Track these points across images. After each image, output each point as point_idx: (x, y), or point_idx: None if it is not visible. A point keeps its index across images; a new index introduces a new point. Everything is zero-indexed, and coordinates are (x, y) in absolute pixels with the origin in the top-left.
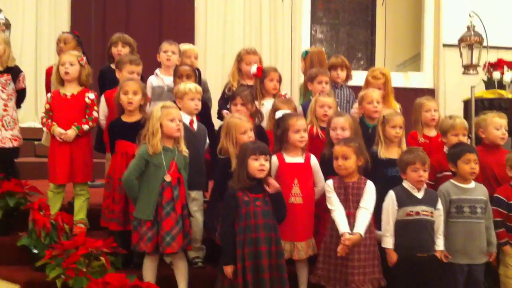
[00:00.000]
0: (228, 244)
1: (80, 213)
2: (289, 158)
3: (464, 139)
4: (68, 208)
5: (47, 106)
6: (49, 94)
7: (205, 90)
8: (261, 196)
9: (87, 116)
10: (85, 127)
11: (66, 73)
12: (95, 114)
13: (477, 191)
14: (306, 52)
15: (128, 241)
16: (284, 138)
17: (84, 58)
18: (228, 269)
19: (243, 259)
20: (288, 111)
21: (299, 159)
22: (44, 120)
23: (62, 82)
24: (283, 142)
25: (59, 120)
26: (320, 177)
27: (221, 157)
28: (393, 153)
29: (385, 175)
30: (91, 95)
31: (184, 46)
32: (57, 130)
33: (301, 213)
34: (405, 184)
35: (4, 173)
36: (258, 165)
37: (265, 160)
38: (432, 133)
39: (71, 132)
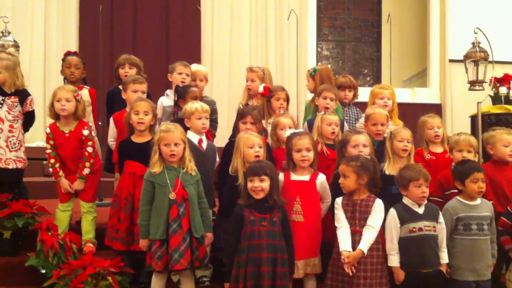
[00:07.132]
0: (231, 261)
1: (89, 233)
2: (294, 176)
3: (470, 156)
4: (76, 228)
5: (52, 142)
6: (48, 130)
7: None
8: (268, 216)
9: (84, 157)
10: (86, 171)
11: (63, 109)
12: (89, 150)
13: (483, 207)
14: (315, 70)
15: (135, 260)
16: (290, 157)
17: (80, 93)
18: (227, 286)
19: (245, 278)
20: (294, 130)
21: (305, 177)
22: (53, 161)
23: (57, 116)
24: (290, 161)
25: (61, 155)
26: (327, 194)
27: (231, 174)
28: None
29: (389, 192)
30: (85, 132)
31: (193, 68)
32: (64, 183)
33: (301, 231)
34: (405, 200)
35: (11, 194)
36: (251, 186)
37: (259, 181)
38: (438, 149)
39: (78, 185)
